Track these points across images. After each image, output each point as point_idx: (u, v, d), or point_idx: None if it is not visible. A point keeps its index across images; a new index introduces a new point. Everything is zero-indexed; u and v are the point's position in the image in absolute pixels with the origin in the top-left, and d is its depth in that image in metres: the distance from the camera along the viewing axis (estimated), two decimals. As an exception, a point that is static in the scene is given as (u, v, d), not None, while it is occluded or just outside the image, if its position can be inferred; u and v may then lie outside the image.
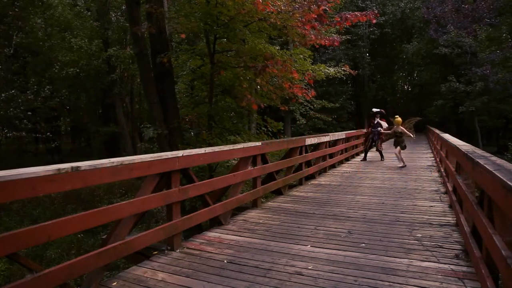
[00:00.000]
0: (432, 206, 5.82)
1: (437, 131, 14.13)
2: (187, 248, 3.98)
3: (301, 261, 3.59)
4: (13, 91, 15.74)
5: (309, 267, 3.42)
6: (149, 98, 9.44)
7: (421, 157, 13.69)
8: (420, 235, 4.31)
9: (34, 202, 9.54)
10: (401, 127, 10.89)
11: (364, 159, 12.42)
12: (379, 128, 11.75)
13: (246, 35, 9.14)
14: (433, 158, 12.69)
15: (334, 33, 11.89)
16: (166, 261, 3.62)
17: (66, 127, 23.25)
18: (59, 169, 2.66)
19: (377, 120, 11.94)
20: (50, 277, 2.64)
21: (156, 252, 3.82)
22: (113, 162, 3.13)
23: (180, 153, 3.92)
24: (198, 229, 4.88)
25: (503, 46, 20.35)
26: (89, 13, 21.86)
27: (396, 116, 10.91)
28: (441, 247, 3.91)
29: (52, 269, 2.69)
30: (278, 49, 10.04)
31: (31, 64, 19.43)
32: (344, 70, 12.69)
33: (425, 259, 3.56)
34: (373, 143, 12.15)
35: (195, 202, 5.78)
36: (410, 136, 11.35)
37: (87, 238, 7.33)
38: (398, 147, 10.75)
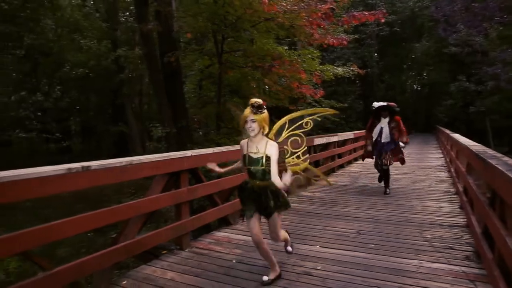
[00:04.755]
0: (441, 207, 5.76)
1: (447, 131, 13.99)
2: (196, 247, 3.99)
3: (310, 261, 3.57)
4: (24, 92, 15.94)
5: (318, 267, 3.41)
6: (158, 98, 9.51)
7: (430, 157, 13.56)
8: (430, 236, 4.27)
9: (44, 201, 9.65)
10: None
11: (380, 180, 7.32)
12: (384, 135, 6.80)
13: (253, 35, 9.16)
14: (443, 158, 12.56)
15: (341, 33, 11.84)
16: (175, 261, 3.64)
17: (76, 127, 23.50)
18: (69, 169, 2.69)
19: (384, 120, 6.83)
20: (61, 275, 2.67)
21: (165, 252, 3.84)
22: (122, 162, 3.15)
23: (188, 153, 3.94)
24: (207, 228, 4.89)
25: (515, 45, 20.08)
26: (97, 14, 22.05)
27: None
28: (451, 248, 3.86)
29: (63, 267, 2.72)
30: (286, 49, 10.03)
31: (42, 65, 19.67)
32: (352, 70, 12.64)
33: (435, 261, 3.52)
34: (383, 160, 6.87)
35: (204, 201, 5.79)
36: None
37: (97, 237, 7.40)
38: None
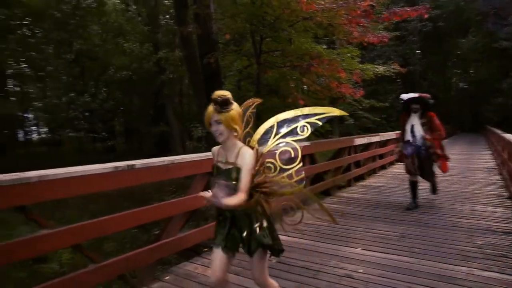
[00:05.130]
0: (494, 212, 5.43)
1: (497, 131, 13.21)
2: (236, 246, 4.02)
3: (351, 263, 3.50)
4: (73, 94, 16.86)
5: (360, 270, 3.33)
6: (198, 98, 9.70)
7: (480, 159, 12.85)
8: (481, 243, 4.04)
9: (92, 197, 10.12)
10: None
11: (413, 201, 5.78)
12: (417, 135, 5.51)
13: (291, 34, 9.11)
14: (493, 160, 11.86)
15: (382, 30, 11.51)
16: (216, 259, 3.68)
17: (120, 127, 24.49)
18: (116, 167, 2.80)
19: (415, 116, 5.55)
20: (109, 268, 2.80)
21: (206, 249, 3.90)
22: (164, 161, 3.24)
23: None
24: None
25: None
26: (139, 18, 22.85)
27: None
28: (505, 256, 3.63)
29: (111, 261, 2.85)
30: (324, 48, 9.90)
31: (89, 68, 20.68)
32: (393, 68, 12.25)
33: (487, 269, 3.33)
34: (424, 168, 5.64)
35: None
36: None
37: (140, 233, 7.64)
38: None
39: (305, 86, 9.57)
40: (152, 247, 3.17)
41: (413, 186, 5.79)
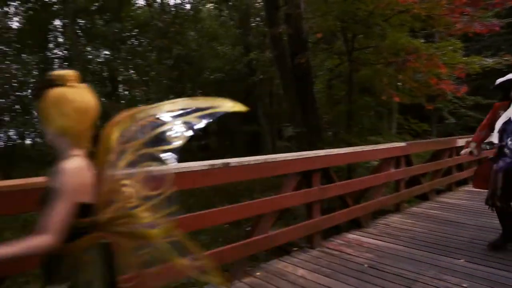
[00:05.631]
0: None
1: None
2: (327, 247, 3.99)
3: (453, 276, 3.22)
4: (172, 96, 18.37)
5: (464, 285, 3.05)
6: (288, 98, 9.77)
7: None
8: None
9: (188, 192, 10.91)
10: None
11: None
12: None
13: (386, 29, 8.66)
14: None
15: (491, 18, 10.29)
16: (306, 258, 3.70)
17: (213, 126, 25.90)
18: (212, 165, 2.98)
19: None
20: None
21: (296, 249, 3.95)
22: (258, 160, 3.35)
23: (321, 152, 3.96)
24: (336, 229, 4.84)
25: None
26: (232, 22, 23.85)
27: None
28: None
29: (207, 253, 3.04)
30: (422, 41, 9.22)
31: (186, 72, 22.25)
32: (506, 59, 10.89)
33: None
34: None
35: (333, 202, 5.76)
36: None
37: (231, 228, 8.00)
38: None
39: (400, 83, 9.02)
40: (245, 243, 3.31)
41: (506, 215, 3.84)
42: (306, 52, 9.15)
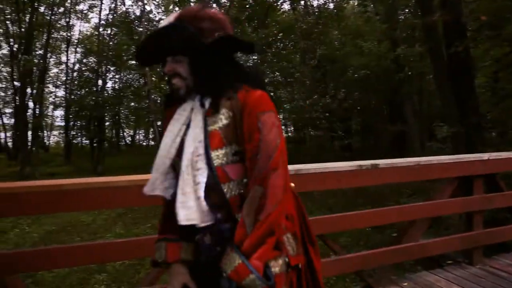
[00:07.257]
0: None
1: None
2: (490, 266, 3.45)
3: None
4: (315, 96, 18.59)
5: None
6: (442, 94, 8.82)
7: None
8: None
9: (329, 193, 10.88)
10: None
11: None
12: None
13: None
14: None
15: None
16: (463, 275, 3.28)
17: (356, 126, 25.22)
18: (360, 166, 2.90)
19: None
20: (348, 262, 2.95)
21: (450, 262, 3.54)
22: (410, 162, 3.14)
23: (485, 155, 3.45)
24: (503, 247, 4.14)
25: None
26: (377, 17, 22.75)
27: None
28: None
29: (351, 255, 3.01)
30: None
31: (330, 71, 22.20)
32: None
33: None
34: None
35: (500, 214, 4.95)
36: None
37: (374, 233, 7.66)
38: None
39: None
40: (392, 249, 3.13)
41: None
42: (465, 39, 8.08)
